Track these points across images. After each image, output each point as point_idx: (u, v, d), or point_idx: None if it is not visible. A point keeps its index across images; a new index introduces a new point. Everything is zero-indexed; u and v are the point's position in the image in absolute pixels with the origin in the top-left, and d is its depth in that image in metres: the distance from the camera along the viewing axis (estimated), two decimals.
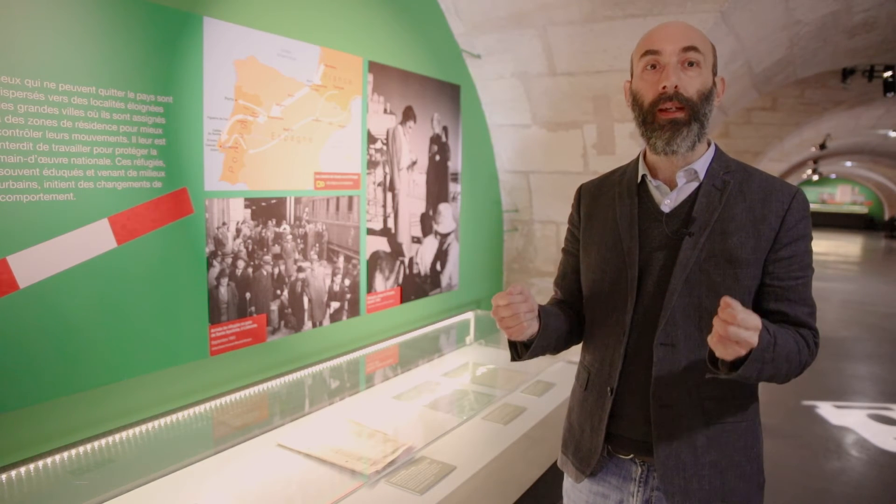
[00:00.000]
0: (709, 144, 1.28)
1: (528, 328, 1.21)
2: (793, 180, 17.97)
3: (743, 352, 1.02)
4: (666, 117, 1.20)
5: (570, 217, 1.48)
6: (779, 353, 1.09)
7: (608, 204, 1.36)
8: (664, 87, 1.19)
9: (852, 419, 4.42)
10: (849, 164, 18.99)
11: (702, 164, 1.26)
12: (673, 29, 1.22)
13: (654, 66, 1.22)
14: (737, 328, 0.98)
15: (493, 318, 1.21)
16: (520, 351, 1.32)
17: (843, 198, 26.46)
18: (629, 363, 1.26)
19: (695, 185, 1.26)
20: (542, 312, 1.28)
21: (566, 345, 1.39)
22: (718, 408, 1.22)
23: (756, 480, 1.27)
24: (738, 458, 1.24)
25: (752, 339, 1.00)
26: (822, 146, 10.64)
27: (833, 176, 24.93)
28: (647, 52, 1.23)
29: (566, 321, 1.38)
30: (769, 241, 1.20)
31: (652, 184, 1.30)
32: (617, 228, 1.31)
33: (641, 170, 1.32)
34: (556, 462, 1.57)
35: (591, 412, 1.33)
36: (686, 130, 1.20)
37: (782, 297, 1.21)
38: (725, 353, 1.02)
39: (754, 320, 1.00)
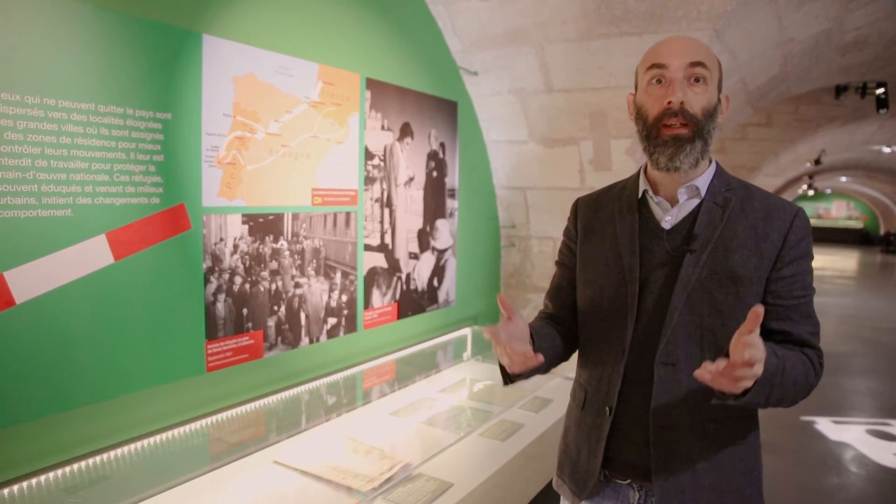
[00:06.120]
0: (710, 162, 1.27)
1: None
2: (788, 195, 18.09)
3: (750, 383, 1.01)
4: (670, 133, 1.18)
5: (566, 230, 1.46)
6: (787, 377, 1.09)
7: (608, 219, 1.34)
8: (670, 103, 1.17)
9: (851, 435, 4.41)
10: (844, 179, 19.12)
11: (703, 181, 1.24)
12: (680, 43, 1.20)
13: (659, 81, 1.20)
14: (744, 370, 0.98)
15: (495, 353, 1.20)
16: (511, 376, 1.30)
17: (838, 213, 26.61)
18: (627, 382, 1.24)
19: (696, 201, 1.24)
20: (535, 336, 1.25)
21: (557, 363, 1.38)
22: (719, 430, 1.21)
23: None
24: (738, 482, 1.22)
25: (759, 371, 0.99)
26: (817, 162, 10.73)
27: (828, 191, 25.08)
28: (653, 66, 1.20)
29: (559, 340, 1.36)
30: (771, 259, 1.19)
31: (653, 200, 1.28)
32: (617, 244, 1.29)
33: (642, 185, 1.30)
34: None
35: (589, 433, 1.31)
36: (689, 147, 1.18)
37: (785, 317, 1.20)
38: (732, 388, 1.02)
39: (761, 352, 0.99)
